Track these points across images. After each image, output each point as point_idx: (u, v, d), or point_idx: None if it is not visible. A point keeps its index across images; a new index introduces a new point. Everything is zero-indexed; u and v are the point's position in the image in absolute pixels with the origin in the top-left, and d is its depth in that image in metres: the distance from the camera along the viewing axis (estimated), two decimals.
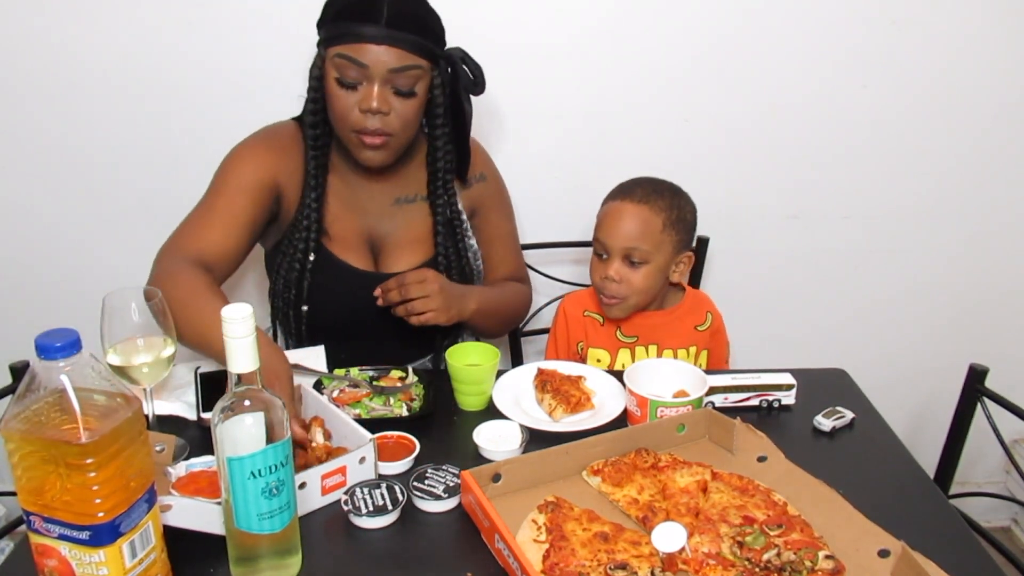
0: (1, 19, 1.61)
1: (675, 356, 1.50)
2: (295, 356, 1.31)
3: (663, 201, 1.43)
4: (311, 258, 1.36)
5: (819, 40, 1.73)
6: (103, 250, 1.81)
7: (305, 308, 1.39)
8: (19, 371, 1.27)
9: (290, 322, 1.42)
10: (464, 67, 1.33)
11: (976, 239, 1.94)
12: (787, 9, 1.70)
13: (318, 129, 1.34)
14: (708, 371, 1.25)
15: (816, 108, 1.79)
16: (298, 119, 1.41)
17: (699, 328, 1.53)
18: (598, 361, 1.52)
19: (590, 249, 1.83)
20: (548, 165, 1.82)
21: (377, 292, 1.33)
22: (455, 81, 1.34)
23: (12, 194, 1.76)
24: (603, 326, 1.53)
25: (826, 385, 1.34)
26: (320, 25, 1.30)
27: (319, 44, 1.30)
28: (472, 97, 1.37)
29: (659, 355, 1.50)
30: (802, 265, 1.95)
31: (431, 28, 1.29)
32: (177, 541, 0.88)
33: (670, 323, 1.52)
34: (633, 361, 1.49)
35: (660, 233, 1.42)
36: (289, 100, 1.59)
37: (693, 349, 1.52)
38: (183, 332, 1.14)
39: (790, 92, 1.77)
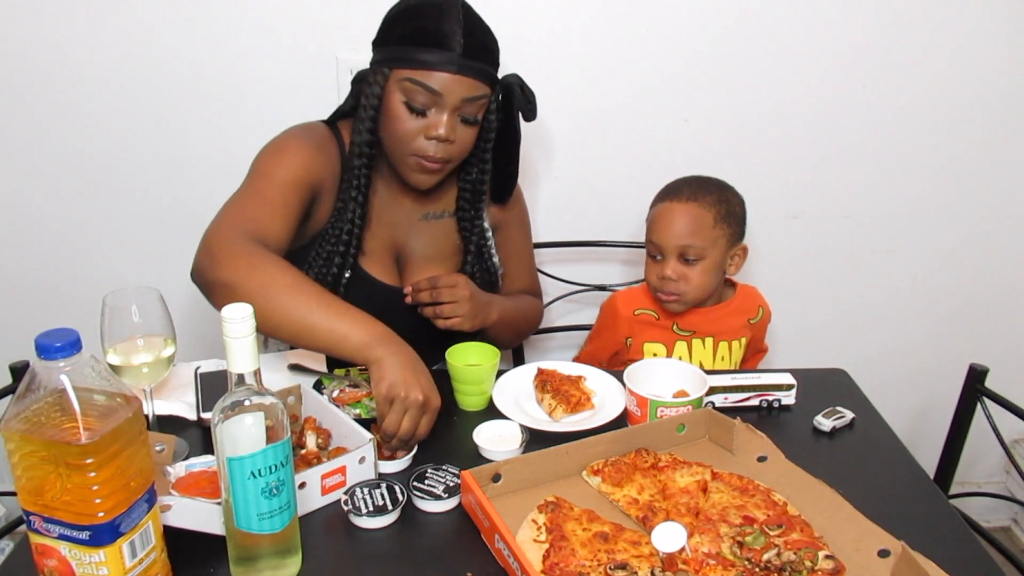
0: (1, 20, 1.61)
1: (729, 348, 1.54)
2: (295, 356, 1.31)
3: (711, 197, 1.46)
4: (347, 275, 1.34)
5: (819, 40, 1.73)
6: (103, 250, 1.81)
7: None
8: (19, 371, 1.28)
9: None
10: (521, 93, 1.33)
11: (976, 239, 1.94)
12: (787, 9, 1.70)
13: (373, 148, 1.31)
14: (709, 371, 1.25)
15: (816, 108, 1.79)
16: (328, 123, 1.39)
17: (752, 321, 1.57)
18: (655, 355, 1.54)
19: (590, 249, 1.85)
20: (548, 165, 1.82)
21: (407, 291, 1.34)
22: (509, 106, 1.33)
23: (12, 195, 1.75)
24: (658, 320, 1.55)
25: (826, 385, 1.34)
26: (382, 44, 1.27)
27: (379, 63, 1.27)
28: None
29: (715, 347, 1.54)
30: (802, 265, 1.95)
31: (497, 55, 1.29)
32: (177, 541, 0.88)
33: (725, 316, 1.55)
34: (690, 353, 1.53)
35: (712, 229, 1.44)
36: (289, 104, 1.59)
37: (744, 339, 1.57)
38: (275, 323, 1.09)
39: (790, 92, 1.77)
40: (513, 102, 1.33)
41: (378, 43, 1.29)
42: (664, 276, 1.46)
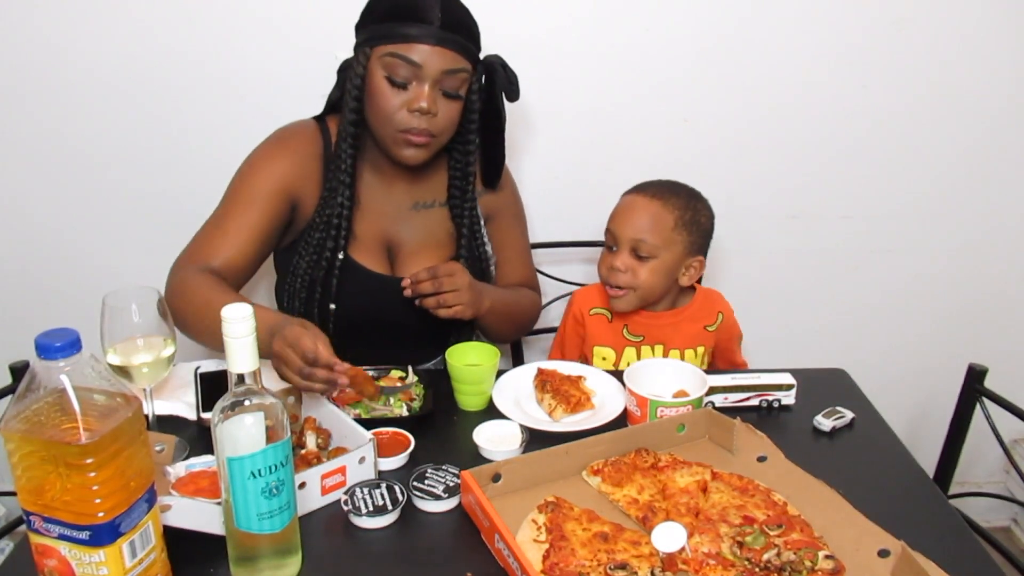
0: (1, 20, 1.61)
1: (682, 356, 1.49)
2: None
3: (678, 200, 1.43)
4: (340, 257, 1.36)
5: (819, 40, 1.73)
6: (103, 250, 1.81)
7: (333, 307, 1.38)
8: (19, 371, 1.28)
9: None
10: (504, 73, 1.35)
11: (976, 239, 1.94)
12: (787, 9, 1.70)
13: (359, 128, 1.34)
14: (709, 371, 1.25)
15: (816, 108, 1.79)
16: (317, 118, 1.41)
17: (708, 328, 1.52)
18: (603, 359, 1.51)
19: (591, 249, 1.84)
20: (548, 165, 1.82)
21: (405, 283, 1.33)
22: (491, 87, 1.35)
23: (12, 194, 1.76)
24: (610, 323, 1.52)
25: (826, 385, 1.34)
26: (363, 26, 1.30)
27: (361, 45, 1.29)
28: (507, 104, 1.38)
29: (665, 355, 1.50)
30: (802, 265, 1.95)
31: (476, 33, 1.31)
32: (177, 541, 0.88)
33: (678, 323, 1.51)
34: (639, 360, 1.49)
35: (671, 231, 1.41)
36: (289, 103, 1.58)
37: (701, 349, 1.51)
38: (207, 340, 1.18)
39: (790, 92, 1.77)
40: (496, 81, 1.34)
41: (359, 26, 1.31)
42: (613, 266, 1.43)
